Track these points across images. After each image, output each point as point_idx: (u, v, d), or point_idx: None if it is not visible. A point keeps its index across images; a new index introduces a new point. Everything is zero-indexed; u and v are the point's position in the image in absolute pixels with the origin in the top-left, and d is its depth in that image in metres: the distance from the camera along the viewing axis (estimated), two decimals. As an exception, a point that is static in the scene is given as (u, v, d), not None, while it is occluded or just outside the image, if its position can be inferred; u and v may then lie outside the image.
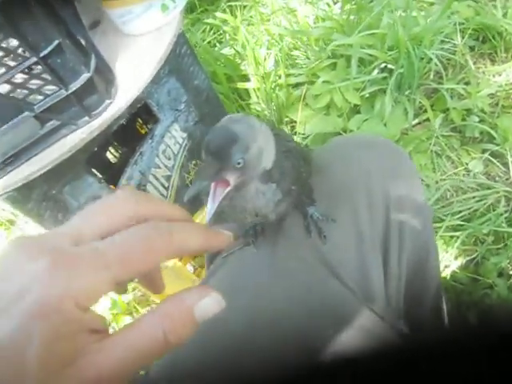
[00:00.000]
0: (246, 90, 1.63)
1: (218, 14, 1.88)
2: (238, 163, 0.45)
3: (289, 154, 0.55)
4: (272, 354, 0.50)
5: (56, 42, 0.67)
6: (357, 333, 0.56)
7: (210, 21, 1.91)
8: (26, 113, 0.71)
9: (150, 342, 0.30)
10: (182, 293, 0.33)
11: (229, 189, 0.46)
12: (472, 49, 1.67)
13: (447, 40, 1.59)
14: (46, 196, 0.81)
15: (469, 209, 1.39)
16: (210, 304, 0.33)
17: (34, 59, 0.66)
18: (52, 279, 0.29)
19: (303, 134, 1.49)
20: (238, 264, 0.67)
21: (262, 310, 0.58)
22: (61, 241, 0.32)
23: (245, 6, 1.97)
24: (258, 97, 1.60)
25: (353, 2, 1.64)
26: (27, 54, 0.66)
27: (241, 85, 1.61)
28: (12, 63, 0.67)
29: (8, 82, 0.67)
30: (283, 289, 0.60)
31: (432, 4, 1.64)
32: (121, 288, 0.39)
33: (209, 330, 0.43)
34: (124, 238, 0.33)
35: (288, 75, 1.61)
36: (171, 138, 0.97)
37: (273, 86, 1.61)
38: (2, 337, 0.27)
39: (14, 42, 0.74)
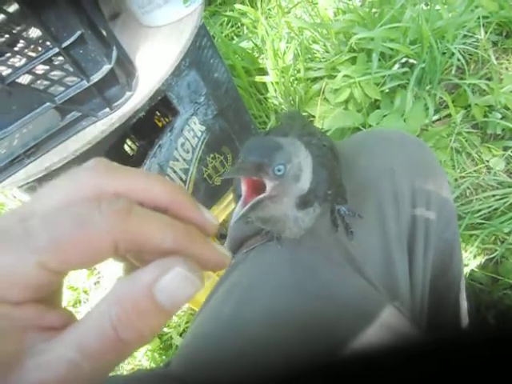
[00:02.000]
0: (264, 84, 1.62)
1: (238, 6, 1.86)
2: (279, 170, 0.44)
3: (323, 159, 0.53)
4: (291, 354, 0.49)
5: (78, 32, 0.66)
6: (381, 330, 0.55)
7: (228, 13, 1.90)
8: (47, 104, 0.71)
9: (99, 339, 0.24)
10: (139, 270, 0.26)
11: (264, 195, 0.44)
12: (495, 44, 1.64)
13: (470, 34, 1.56)
14: (65, 188, 0.80)
15: (489, 207, 1.37)
16: (177, 282, 0.25)
17: (56, 50, 0.65)
18: None
19: (322, 129, 1.47)
20: (259, 260, 0.66)
21: (282, 310, 0.57)
22: (8, 220, 0.27)
23: (264, -1, 1.95)
24: (276, 91, 1.59)
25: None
26: (49, 45, 0.66)
27: (259, 78, 1.60)
28: (33, 54, 0.66)
29: (29, 72, 0.66)
30: (305, 286, 0.59)
31: (455, -3, 1.61)
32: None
33: (224, 330, 0.42)
34: (61, 217, 0.26)
35: (307, 69, 1.59)
36: (190, 131, 0.96)
37: (291, 80, 1.60)
38: None
39: (35, 33, 0.73)
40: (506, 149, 1.45)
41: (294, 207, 0.49)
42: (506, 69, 1.59)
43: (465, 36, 1.54)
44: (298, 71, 1.58)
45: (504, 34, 1.65)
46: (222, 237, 1.44)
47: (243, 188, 0.44)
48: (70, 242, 0.25)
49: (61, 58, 0.69)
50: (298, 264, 0.61)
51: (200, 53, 0.91)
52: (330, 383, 0.27)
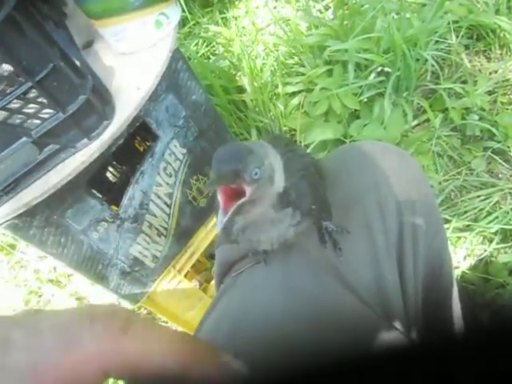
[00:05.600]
0: (244, 101, 1.62)
1: (212, 28, 1.87)
2: (256, 173, 0.44)
3: (304, 171, 0.54)
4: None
5: (51, 65, 0.66)
6: (376, 348, 0.54)
7: (202, 34, 1.91)
8: (24, 138, 0.70)
9: None
10: None
11: (244, 199, 0.44)
12: (467, 47, 1.67)
13: (442, 40, 1.58)
14: (47, 222, 0.79)
15: (474, 208, 1.38)
16: None
17: (30, 84, 0.65)
18: None
19: (304, 143, 1.48)
20: (248, 284, 0.65)
21: (276, 337, 0.56)
22: None
23: (237, 17, 1.97)
24: (255, 107, 1.59)
25: (345, 8, 1.63)
26: (22, 79, 0.65)
27: (238, 96, 1.60)
28: (7, 89, 0.66)
29: (3, 108, 0.65)
30: (297, 308, 0.58)
31: (424, 5, 1.64)
32: None
33: None
34: (46, 337, 0.23)
35: (285, 84, 1.60)
36: (171, 155, 0.95)
37: (270, 96, 1.60)
38: None
39: (7, 67, 0.72)
40: (485, 149, 1.47)
41: (272, 209, 0.50)
42: (480, 71, 1.61)
43: (437, 42, 1.56)
44: (276, 87, 1.59)
45: (475, 37, 1.68)
46: (211, 257, 1.43)
47: (220, 198, 0.44)
48: (50, 370, 0.22)
49: (35, 91, 0.68)
50: (289, 287, 0.60)
51: (176, 76, 0.91)
52: None
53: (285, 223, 0.51)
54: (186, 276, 1.18)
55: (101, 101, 0.76)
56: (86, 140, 0.74)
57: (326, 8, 1.79)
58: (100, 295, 1.61)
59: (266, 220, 0.50)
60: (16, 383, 0.22)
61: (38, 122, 0.70)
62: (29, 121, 0.70)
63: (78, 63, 0.75)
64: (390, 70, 1.48)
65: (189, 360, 0.25)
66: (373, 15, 1.50)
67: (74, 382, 0.23)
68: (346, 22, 1.56)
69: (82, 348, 0.23)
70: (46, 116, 0.70)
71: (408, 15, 1.53)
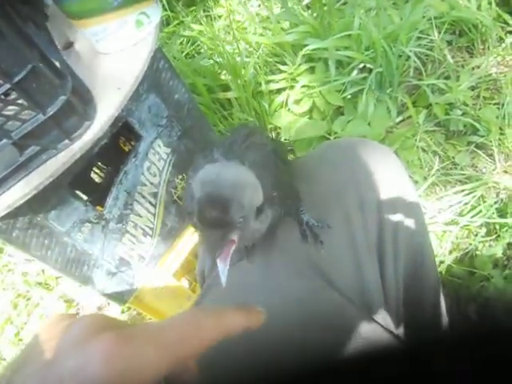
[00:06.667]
0: (228, 100, 1.63)
1: (195, 26, 1.87)
2: (239, 222, 0.46)
3: (263, 161, 0.55)
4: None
5: (29, 66, 0.65)
6: (358, 342, 0.54)
7: (186, 33, 1.90)
8: (4, 140, 0.69)
9: None
10: None
11: (235, 245, 0.47)
12: (449, 43, 1.68)
13: (424, 36, 1.59)
14: (31, 224, 0.79)
15: (459, 202, 1.40)
16: None
17: (8, 85, 0.64)
18: (110, 358, 0.28)
19: (289, 140, 1.48)
20: (231, 282, 0.65)
21: (258, 337, 0.56)
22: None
23: (220, 16, 1.97)
24: (240, 106, 1.59)
25: (324, 7, 1.63)
26: (0, 81, 0.64)
27: (222, 95, 1.60)
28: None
29: (-17, 110, 0.65)
30: (279, 305, 0.58)
31: (407, 1, 1.65)
32: None
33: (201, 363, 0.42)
34: (174, 320, 0.33)
35: (268, 82, 1.60)
36: (155, 155, 0.95)
37: (254, 94, 1.61)
38: None
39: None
40: (469, 144, 1.48)
41: (253, 219, 0.52)
42: (462, 66, 1.63)
43: (419, 38, 1.57)
44: (260, 84, 1.59)
45: (457, 32, 1.70)
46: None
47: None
48: (191, 334, 0.32)
49: (14, 92, 0.67)
50: (272, 285, 0.61)
51: (158, 75, 0.90)
52: None
53: (261, 228, 0.53)
54: (174, 275, 1.18)
55: (81, 101, 0.76)
56: (67, 141, 0.74)
57: (308, 6, 1.80)
58: (88, 297, 1.61)
59: (249, 231, 0.52)
60: None
61: (18, 123, 0.70)
62: (9, 122, 0.70)
63: (57, 64, 0.74)
64: (371, 66, 1.49)
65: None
66: (351, 13, 1.50)
67: None
68: (325, 21, 1.57)
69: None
70: (26, 117, 0.70)
71: (389, 12, 1.54)
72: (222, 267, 0.46)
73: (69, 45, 0.91)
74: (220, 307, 0.36)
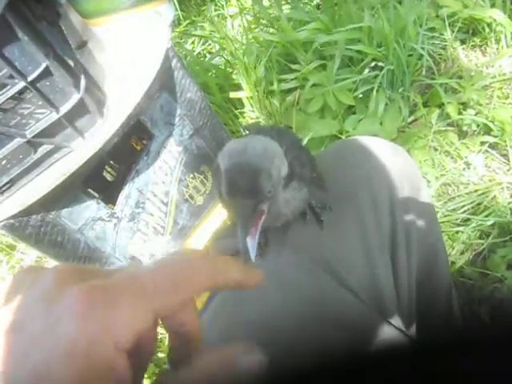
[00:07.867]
0: (239, 99, 1.62)
1: (207, 26, 1.87)
2: (270, 192, 0.45)
3: (299, 142, 0.56)
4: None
5: (44, 65, 0.66)
6: (370, 342, 0.54)
7: (198, 32, 1.91)
8: (18, 138, 0.70)
9: None
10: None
11: (265, 216, 0.46)
12: (463, 42, 1.66)
13: (437, 35, 1.58)
14: (43, 221, 0.79)
15: (472, 202, 1.38)
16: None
17: (23, 84, 0.65)
18: (86, 313, 0.24)
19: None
20: None
21: (270, 331, 0.56)
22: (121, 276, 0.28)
23: (231, 16, 1.97)
24: (251, 105, 1.59)
25: (335, 6, 1.62)
26: (15, 80, 0.65)
27: (233, 94, 1.60)
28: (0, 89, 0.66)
29: (-3, 108, 0.66)
30: (291, 304, 0.58)
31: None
32: None
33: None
34: (165, 264, 0.28)
35: (280, 81, 1.60)
36: (167, 153, 0.96)
37: (265, 94, 1.60)
38: (19, 375, 0.23)
39: (1, 69, 0.73)
40: (482, 144, 1.46)
41: (281, 191, 0.51)
42: (476, 65, 1.61)
43: (432, 37, 1.56)
44: (271, 84, 1.59)
45: (470, 31, 1.68)
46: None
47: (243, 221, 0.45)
48: (181, 282, 0.28)
49: (29, 91, 0.68)
50: (283, 283, 0.61)
51: (170, 75, 0.91)
52: None
53: (296, 199, 0.53)
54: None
55: (95, 100, 0.76)
56: (80, 139, 0.75)
57: (318, 7, 1.79)
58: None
59: (280, 201, 0.51)
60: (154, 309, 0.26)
61: (31, 121, 0.70)
62: (23, 121, 0.70)
63: (71, 63, 0.74)
64: (382, 64, 1.48)
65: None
66: (359, 6, 1.50)
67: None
68: (336, 15, 1.56)
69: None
70: (39, 116, 0.71)
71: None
72: (252, 242, 0.44)
73: (82, 44, 0.91)
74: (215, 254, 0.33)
